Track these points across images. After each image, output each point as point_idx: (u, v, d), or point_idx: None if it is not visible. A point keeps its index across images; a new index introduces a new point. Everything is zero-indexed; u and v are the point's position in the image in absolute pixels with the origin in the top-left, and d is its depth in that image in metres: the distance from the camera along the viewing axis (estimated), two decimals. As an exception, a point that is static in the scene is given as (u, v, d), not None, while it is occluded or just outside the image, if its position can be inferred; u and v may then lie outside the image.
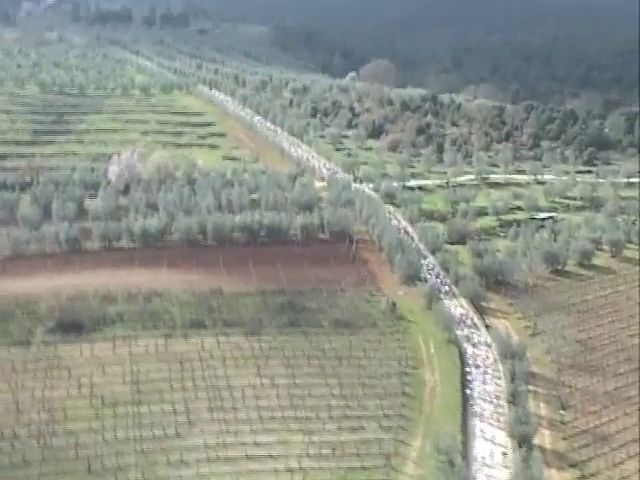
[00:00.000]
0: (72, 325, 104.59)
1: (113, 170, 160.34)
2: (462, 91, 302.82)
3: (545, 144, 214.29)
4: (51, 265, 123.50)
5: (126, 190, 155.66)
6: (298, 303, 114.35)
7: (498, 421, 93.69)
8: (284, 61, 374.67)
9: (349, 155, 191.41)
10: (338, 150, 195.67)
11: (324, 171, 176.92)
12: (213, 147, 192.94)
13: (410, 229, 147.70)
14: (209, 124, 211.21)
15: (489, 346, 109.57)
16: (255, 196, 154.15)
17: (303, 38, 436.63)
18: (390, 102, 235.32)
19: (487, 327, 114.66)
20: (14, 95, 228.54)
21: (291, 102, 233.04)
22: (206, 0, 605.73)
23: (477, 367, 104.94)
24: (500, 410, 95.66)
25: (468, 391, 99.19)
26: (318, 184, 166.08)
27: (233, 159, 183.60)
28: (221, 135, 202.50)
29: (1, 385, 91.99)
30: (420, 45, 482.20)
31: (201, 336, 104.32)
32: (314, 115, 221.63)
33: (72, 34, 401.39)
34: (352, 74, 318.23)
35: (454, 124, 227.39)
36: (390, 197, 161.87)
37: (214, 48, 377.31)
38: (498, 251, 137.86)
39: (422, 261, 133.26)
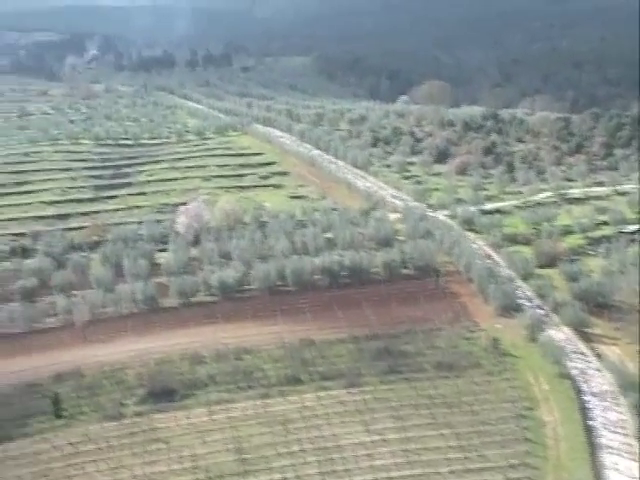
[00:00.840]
0: (163, 392, 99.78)
1: (181, 221, 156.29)
2: (518, 105, 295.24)
3: (618, 152, 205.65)
4: (131, 327, 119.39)
5: (196, 241, 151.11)
6: (394, 347, 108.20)
7: (629, 453, 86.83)
8: (331, 90, 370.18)
9: (418, 183, 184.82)
10: (406, 178, 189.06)
11: (395, 202, 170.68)
12: (277, 187, 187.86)
13: (495, 256, 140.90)
14: (270, 163, 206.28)
15: (604, 376, 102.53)
16: (329, 235, 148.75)
17: (347, 65, 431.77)
18: (451, 123, 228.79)
19: (597, 356, 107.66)
20: (70, 152, 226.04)
21: (350, 133, 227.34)
22: (245, 37, 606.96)
23: (595, 398, 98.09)
24: (629, 441, 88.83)
25: (590, 422, 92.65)
26: (392, 216, 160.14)
27: (300, 198, 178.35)
28: (284, 174, 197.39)
29: (99, 464, 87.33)
30: (464, 61, 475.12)
31: (299, 393, 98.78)
32: (375, 144, 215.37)
33: (118, 84, 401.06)
34: (404, 97, 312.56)
35: (519, 140, 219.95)
36: (468, 223, 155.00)
37: (260, 84, 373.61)
38: (592, 272, 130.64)
39: (515, 289, 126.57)
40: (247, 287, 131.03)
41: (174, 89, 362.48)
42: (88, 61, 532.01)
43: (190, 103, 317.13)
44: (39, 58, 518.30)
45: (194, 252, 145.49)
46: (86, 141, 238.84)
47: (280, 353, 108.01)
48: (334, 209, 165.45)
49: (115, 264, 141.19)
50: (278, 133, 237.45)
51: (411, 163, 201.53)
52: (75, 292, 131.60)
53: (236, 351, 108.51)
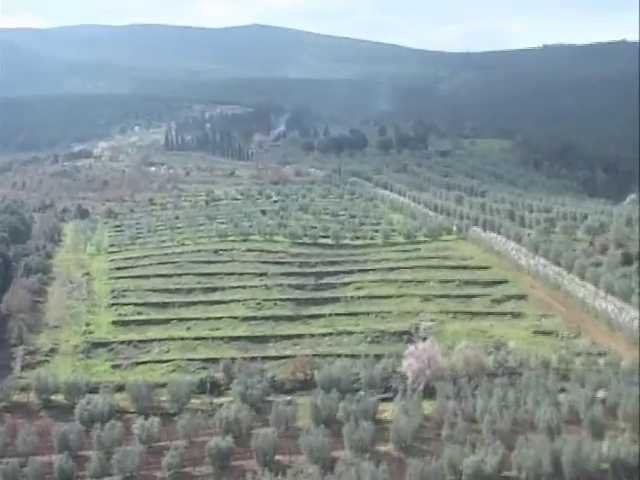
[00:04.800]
0: None
1: (409, 365, 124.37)
2: None
3: None
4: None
5: (427, 392, 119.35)
6: None
7: None
8: (539, 182, 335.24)
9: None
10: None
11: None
12: (515, 316, 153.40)
13: None
14: (501, 282, 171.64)
15: None
16: (602, 394, 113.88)
17: (554, 153, 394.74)
18: None
19: None
20: (264, 251, 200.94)
21: (592, 246, 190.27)
22: (433, 115, 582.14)
23: None
24: None
25: None
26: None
27: (547, 334, 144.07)
28: (520, 297, 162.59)
29: None
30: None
31: None
32: (628, 262, 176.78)
33: (307, 166, 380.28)
34: (632, 196, 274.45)
35: None
36: None
37: (462, 172, 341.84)
38: None
39: None
40: (506, 474, 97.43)
41: (370, 175, 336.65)
42: (274, 138, 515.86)
43: (391, 194, 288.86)
44: (224, 133, 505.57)
45: (427, 408, 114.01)
46: (281, 238, 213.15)
47: None
48: (600, 354, 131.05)
49: (328, 419, 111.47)
50: (502, 240, 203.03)
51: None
52: (280, 458, 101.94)
53: None
